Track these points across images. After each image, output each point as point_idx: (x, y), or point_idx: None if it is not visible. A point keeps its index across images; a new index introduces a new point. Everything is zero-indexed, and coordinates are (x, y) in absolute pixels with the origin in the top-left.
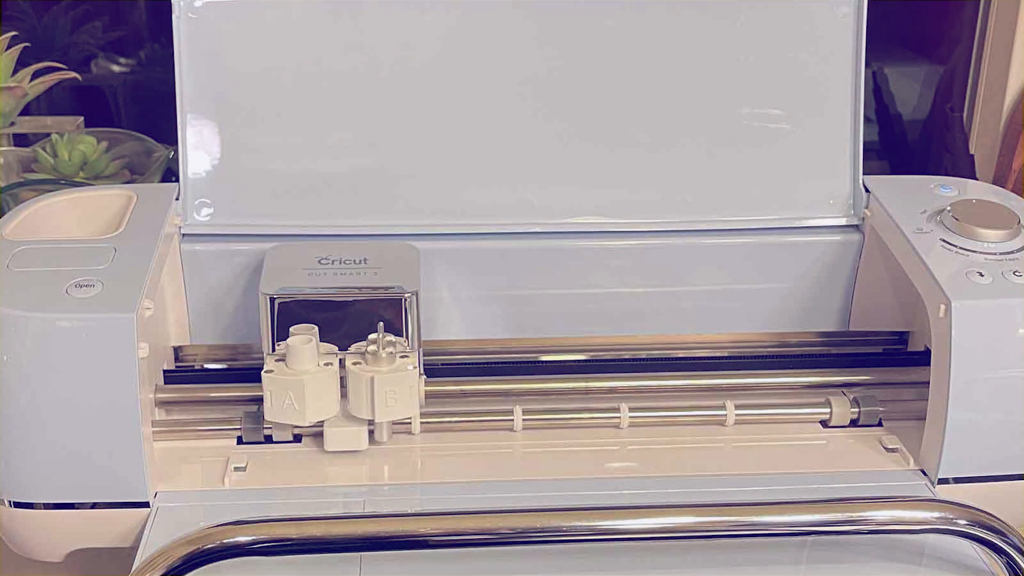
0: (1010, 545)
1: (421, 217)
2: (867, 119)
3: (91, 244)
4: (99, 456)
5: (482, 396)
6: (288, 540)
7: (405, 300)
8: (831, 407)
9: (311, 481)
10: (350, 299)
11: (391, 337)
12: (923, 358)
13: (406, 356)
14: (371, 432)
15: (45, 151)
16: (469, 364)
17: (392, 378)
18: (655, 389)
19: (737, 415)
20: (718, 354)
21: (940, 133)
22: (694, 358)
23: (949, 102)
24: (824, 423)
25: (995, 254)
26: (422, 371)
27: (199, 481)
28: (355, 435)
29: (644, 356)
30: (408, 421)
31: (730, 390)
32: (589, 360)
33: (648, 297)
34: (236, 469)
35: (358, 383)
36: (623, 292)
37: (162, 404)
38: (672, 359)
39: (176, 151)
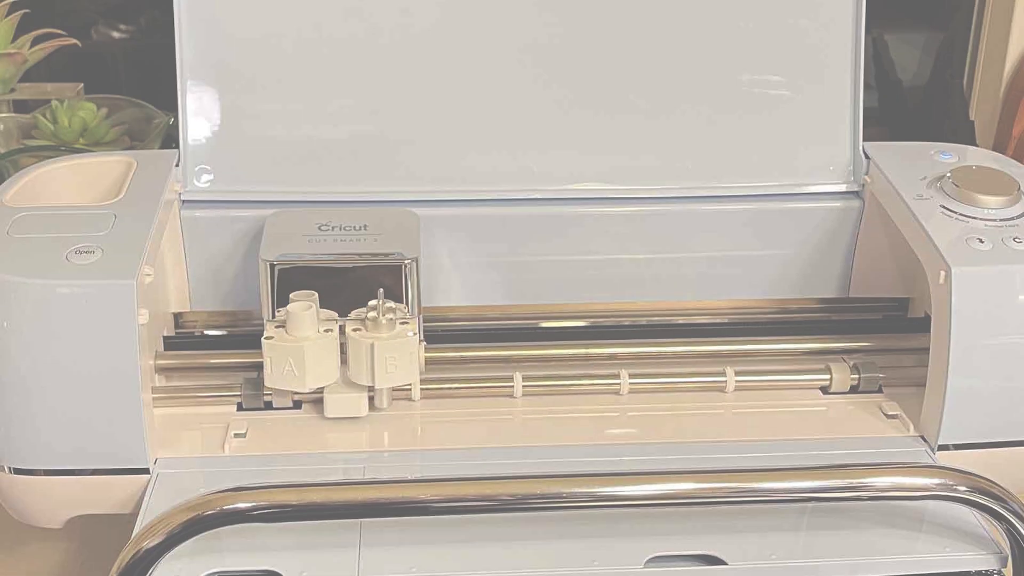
0: (1010, 511)
1: (421, 183)
2: (867, 85)
3: (91, 210)
4: (99, 422)
5: (482, 362)
6: (288, 506)
7: (405, 266)
8: (831, 373)
9: (311, 447)
10: (350, 265)
11: (391, 303)
12: (923, 324)
13: (406, 322)
14: (371, 398)
15: (45, 117)
16: (469, 330)
17: (392, 344)
18: (655, 356)
19: (737, 381)
20: (718, 320)
21: (940, 99)
22: (694, 324)
23: (949, 68)
24: (824, 389)
25: (995, 220)
26: (422, 337)
27: (199, 447)
28: (355, 401)
29: (644, 322)
30: (408, 387)
31: (730, 356)
32: (589, 326)
33: (648, 263)
34: (236, 435)
35: (358, 349)
36: (623, 259)
37: (162, 370)
38: (672, 326)
39: (176, 117)
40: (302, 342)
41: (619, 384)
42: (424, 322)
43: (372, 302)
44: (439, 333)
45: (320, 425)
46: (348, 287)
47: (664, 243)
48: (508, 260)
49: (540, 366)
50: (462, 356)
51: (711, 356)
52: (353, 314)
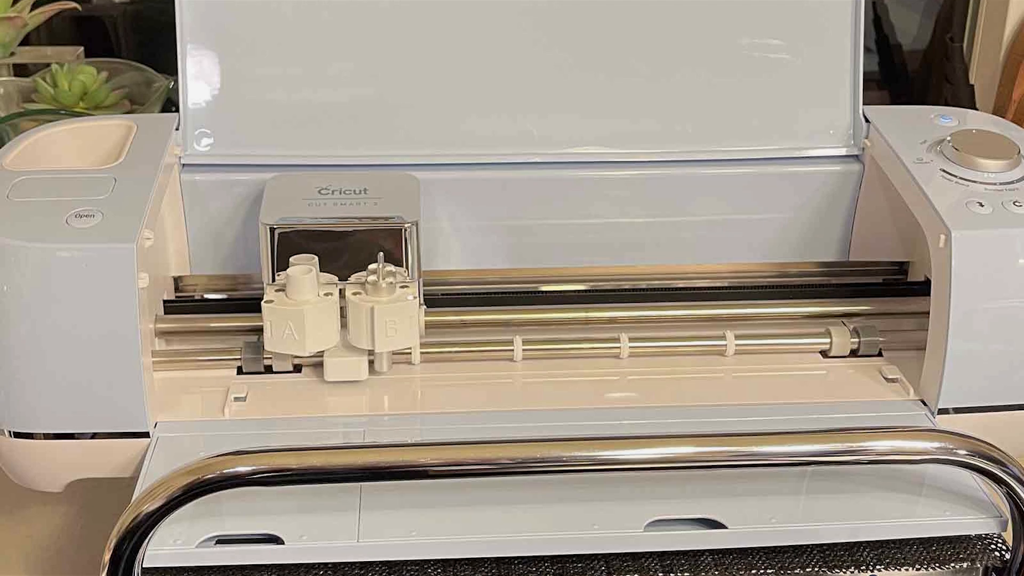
0: (1010, 475)
1: (421, 147)
2: (867, 49)
3: (91, 174)
4: (99, 386)
5: (482, 326)
6: (288, 470)
7: (405, 230)
8: (831, 337)
9: (311, 411)
10: (350, 229)
11: (391, 267)
12: (923, 288)
13: (406, 286)
14: (371, 362)
15: (45, 81)
16: (469, 294)
17: (392, 308)
18: (655, 319)
19: (737, 345)
20: (718, 284)
21: (940, 63)
22: (694, 288)
23: (949, 32)
24: (824, 353)
25: (995, 184)
26: (422, 301)
27: (199, 411)
28: (355, 365)
29: (644, 286)
30: (408, 351)
31: (730, 320)
32: (589, 290)
33: (648, 227)
34: (236, 399)
35: (358, 313)
36: (623, 222)
37: (162, 334)
38: (672, 289)
39: (176, 81)
40: (302, 306)
41: (619, 348)
42: (424, 286)
43: (372, 266)
44: (439, 297)
45: (320, 389)
46: (348, 251)
47: (664, 207)
48: (508, 224)
49: (540, 330)
50: (462, 320)
51: (711, 320)
52: (353, 278)
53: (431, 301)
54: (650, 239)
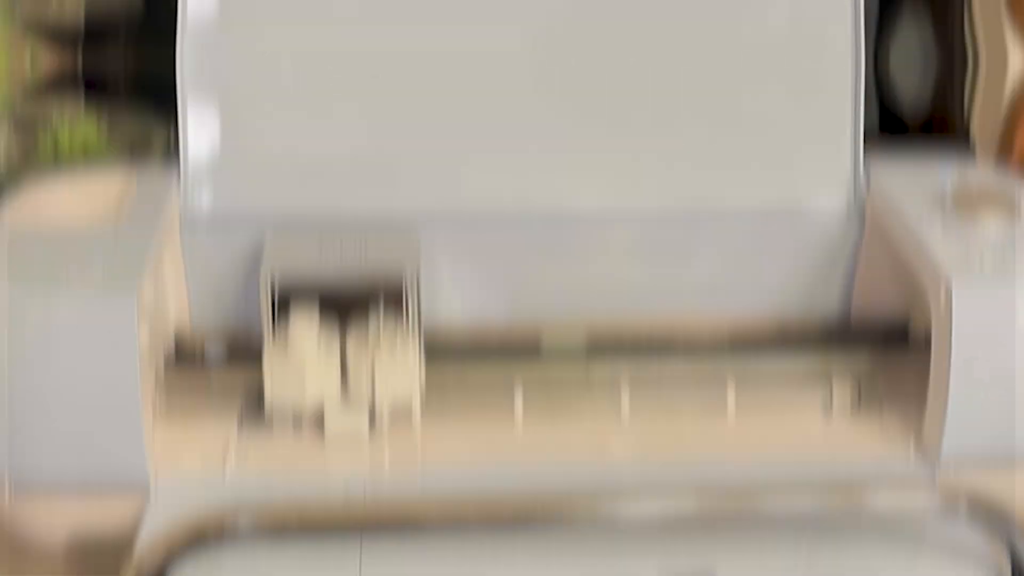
0: (1010, 529)
1: (422, 200)
2: (867, 101)
3: (92, 227)
4: (100, 440)
5: (482, 380)
6: (289, 525)
7: (405, 282)
8: (832, 392)
9: (311, 466)
10: (351, 282)
11: (391, 320)
12: (924, 342)
13: (406, 339)
14: (371, 416)
15: (45, 135)
16: (469, 347)
17: (392, 361)
18: (656, 374)
19: (738, 400)
20: (719, 339)
21: (941, 115)
22: (695, 342)
23: (950, 81)
24: (825, 407)
25: (995, 238)
26: (422, 354)
27: (199, 465)
28: (355, 420)
29: (645, 339)
30: (408, 404)
31: (731, 376)
32: (590, 345)
33: (648, 278)
34: (236, 453)
35: (358, 367)
36: (623, 273)
37: (162, 388)
38: (673, 341)
39: (177, 135)
40: (303, 359)
41: (620, 403)
42: (424, 338)
43: (373, 318)
44: (439, 349)
45: (320, 444)
46: (348, 303)
47: (664, 258)
48: (508, 275)
49: (541, 385)
50: (463, 373)
51: (712, 375)
52: (354, 331)
53: (431, 354)
54: (650, 290)
